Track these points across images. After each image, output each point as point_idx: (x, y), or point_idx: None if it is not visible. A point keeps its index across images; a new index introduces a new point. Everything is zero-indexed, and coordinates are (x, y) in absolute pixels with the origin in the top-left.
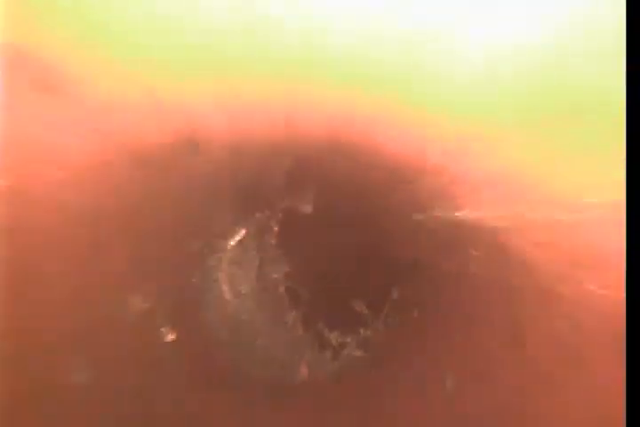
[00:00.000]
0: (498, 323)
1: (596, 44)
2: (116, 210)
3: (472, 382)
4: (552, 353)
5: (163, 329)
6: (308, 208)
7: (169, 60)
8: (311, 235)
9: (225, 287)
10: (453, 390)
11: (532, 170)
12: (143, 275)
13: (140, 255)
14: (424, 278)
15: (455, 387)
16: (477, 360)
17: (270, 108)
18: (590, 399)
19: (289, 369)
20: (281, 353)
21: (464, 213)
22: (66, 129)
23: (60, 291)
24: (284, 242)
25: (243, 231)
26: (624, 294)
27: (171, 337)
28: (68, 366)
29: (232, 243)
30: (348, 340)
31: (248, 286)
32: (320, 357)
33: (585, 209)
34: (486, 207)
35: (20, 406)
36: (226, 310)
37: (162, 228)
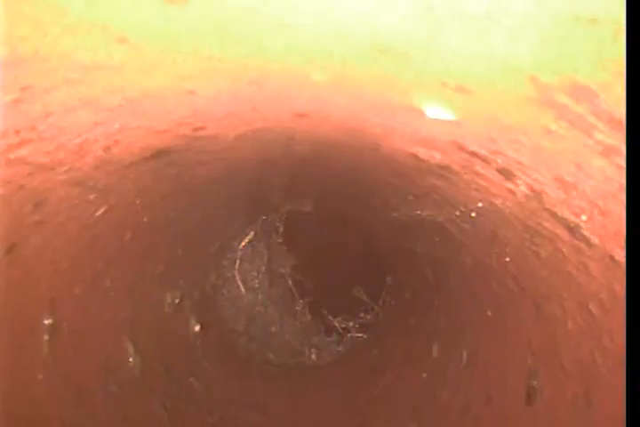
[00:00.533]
0: (477, 297)
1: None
2: (150, 222)
3: (455, 349)
4: (527, 323)
5: (191, 322)
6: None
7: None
8: (313, 233)
9: (240, 283)
10: (439, 356)
11: None
12: (174, 275)
13: (171, 258)
14: (411, 264)
15: (440, 354)
16: (459, 330)
17: (286, 100)
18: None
19: (300, 352)
20: (292, 339)
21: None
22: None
23: (107, 290)
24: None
25: (252, 233)
26: None
27: (197, 328)
28: (121, 349)
29: (243, 244)
30: (351, 324)
31: (259, 280)
32: (326, 340)
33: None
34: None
35: (88, 383)
36: (242, 302)
37: (186, 234)
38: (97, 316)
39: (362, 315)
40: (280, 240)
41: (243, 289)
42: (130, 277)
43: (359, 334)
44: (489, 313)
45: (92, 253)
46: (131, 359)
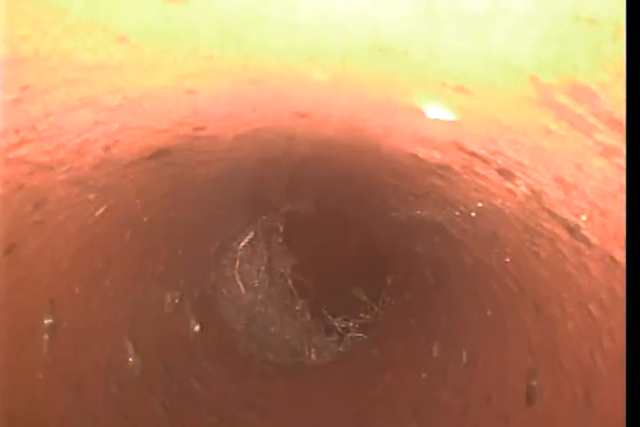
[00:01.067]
0: (477, 297)
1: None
2: (150, 222)
3: (455, 349)
4: (527, 323)
5: (191, 321)
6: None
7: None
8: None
9: (239, 283)
10: (439, 356)
11: None
12: (174, 275)
13: (171, 258)
14: (411, 264)
15: (440, 354)
16: (459, 330)
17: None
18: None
19: (300, 352)
20: (292, 339)
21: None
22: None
23: (107, 290)
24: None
25: (252, 233)
26: None
27: (197, 328)
28: (121, 349)
29: (243, 244)
30: (351, 324)
31: (259, 280)
32: (326, 340)
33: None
34: None
35: (87, 380)
36: (242, 302)
37: (186, 234)
38: (97, 316)
39: (362, 315)
40: (280, 240)
41: (243, 289)
42: (130, 277)
43: (359, 334)
44: (489, 313)
45: (92, 252)
46: (131, 359)
